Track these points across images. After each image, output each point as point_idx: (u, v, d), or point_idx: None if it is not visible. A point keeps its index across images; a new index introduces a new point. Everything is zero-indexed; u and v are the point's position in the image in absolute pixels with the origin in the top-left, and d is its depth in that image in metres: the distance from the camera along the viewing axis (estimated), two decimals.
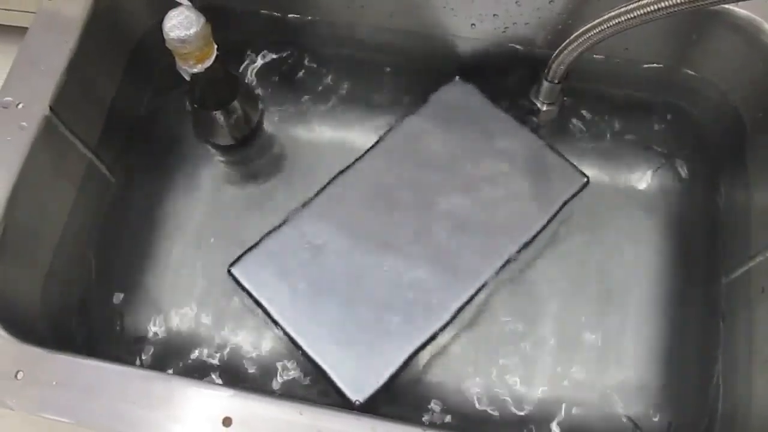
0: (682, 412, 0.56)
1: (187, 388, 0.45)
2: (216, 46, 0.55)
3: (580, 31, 0.53)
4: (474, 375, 0.58)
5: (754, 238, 0.55)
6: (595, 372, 0.58)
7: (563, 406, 0.57)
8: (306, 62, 0.68)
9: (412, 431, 0.44)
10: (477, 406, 0.57)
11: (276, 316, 0.56)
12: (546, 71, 0.59)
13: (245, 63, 0.68)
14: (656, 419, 0.57)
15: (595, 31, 0.52)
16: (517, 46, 0.63)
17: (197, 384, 0.46)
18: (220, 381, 0.57)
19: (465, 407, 0.57)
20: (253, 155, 0.65)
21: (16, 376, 0.45)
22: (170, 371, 0.57)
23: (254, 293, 0.57)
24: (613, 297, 0.61)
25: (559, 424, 0.57)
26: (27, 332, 0.48)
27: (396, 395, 0.57)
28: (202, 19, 0.52)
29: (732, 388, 0.54)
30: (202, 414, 0.44)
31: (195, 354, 0.59)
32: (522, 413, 0.57)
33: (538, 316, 0.60)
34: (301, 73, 0.68)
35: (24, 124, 0.53)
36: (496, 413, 0.57)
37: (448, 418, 0.57)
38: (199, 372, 0.58)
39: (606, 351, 0.59)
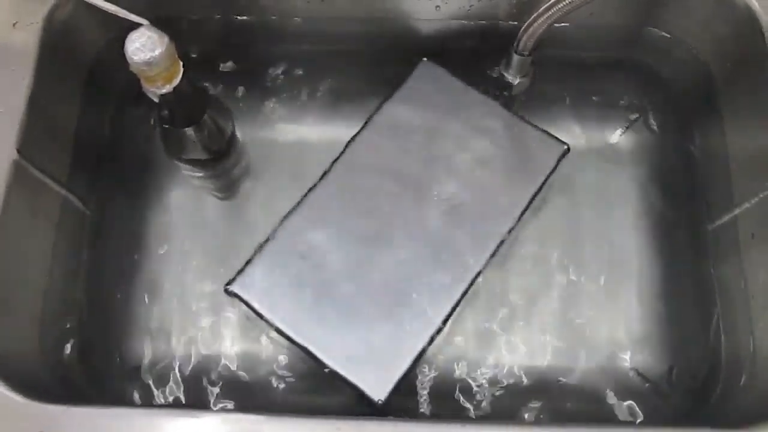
0: (685, 359, 0.59)
1: (215, 420, 0.44)
2: (182, 63, 0.53)
3: (549, 3, 0.52)
4: (481, 348, 0.59)
5: (736, 185, 0.57)
6: (595, 328, 0.60)
7: (568, 365, 0.59)
8: (269, 63, 0.66)
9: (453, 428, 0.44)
10: (490, 376, 0.58)
11: (283, 328, 0.55)
12: (515, 44, 0.59)
13: (206, 73, 0.65)
14: (659, 367, 0.59)
15: (563, 4, 0.52)
16: (484, 22, 0.62)
17: (225, 414, 0.45)
18: (233, 403, 0.56)
19: (476, 381, 0.58)
20: (229, 166, 0.64)
21: None
22: (182, 399, 0.57)
23: (258, 308, 0.56)
24: (603, 255, 0.62)
25: (566, 381, 0.58)
26: (37, 390, 0.46)
27: (409, 387, 0.58)
28: (166, 38, 0.50)
29: (733, 330, 0.56)
30: None
31: (202, 378, 0.58)
32: (529, 379, 0.58)
33: (535, 283, 0.61)
34: (265, 76, 0.66)
35: None
36: (506, 381, 0.58)
37: (464, 400, 0.58)
38: (211, 395, 0.57)
39: (604, 307, 0.60)
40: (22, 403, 0.44)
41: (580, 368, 0.59)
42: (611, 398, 0.58)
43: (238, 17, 0.63)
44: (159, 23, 0.50)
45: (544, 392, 0.58)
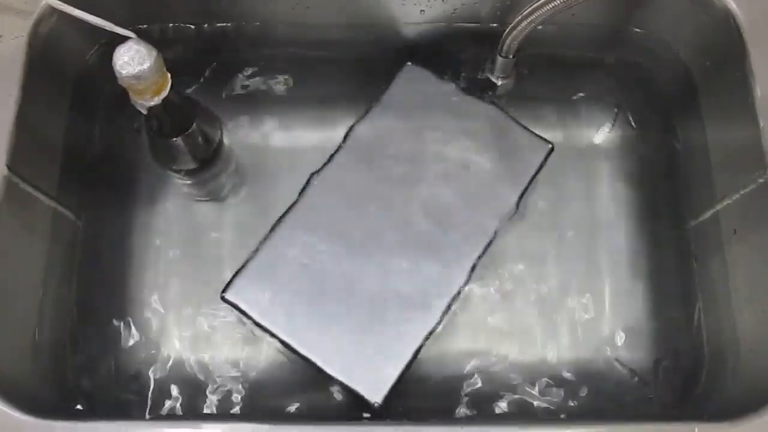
0: (670, 352, 0.60)
1: (218, 429, 0.45)
2: (170, 75, 0.53)
3: (532, 7, 0.53)
4: (471, 348, 0.60)
5: (717, 182, 0.58)
6: (580, 323, 0.61)
7: (554, 360, 0.60)
8: (255, 70, 0.66)
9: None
10: (483, 375, 0.59)
11: (278, 333, 0.56)
12: (499, 47, 0.60)
13: (190, 80, 0.65)
14: (645, 361, 0.60)
15: (547, 8, 0.53)
16: (468, 25, 0.63)
17: (227, 424, 0.46)
18: (232, 409, 0.57)
19: (470, 381, 0.60)
20: (217, 173, 0.64)
21: None
22: (179, 408, 0.57)
23: (252, 314, 0.56)
24: (588, 252, 0.63)
25: (552, 376, 0.60)
26: (38, 406, 0.46)
27: (404, 388, 0.59)
28: (154, 52, 0.50)
29: (716, 325, 0.58)
30: None
31: (200, 385, 0.58)
32: (517, 373, 0.60)
33: (521, 280, 0.62)
34: (251, 82, 0.66)
35: None
36: (498, 379, 0.60)
37: (453, 394, 0.59)
38: (209, 402, 0.57)
39: (588, 302, 0.62)
40: (28, 421, 0.44)
41: (566, 362, 0.60)
42: (597, 392, 0.59)
43: (221, 24, 0.63)
44: (141, 33, 0.50)
45: (531, 386, 0.59)
